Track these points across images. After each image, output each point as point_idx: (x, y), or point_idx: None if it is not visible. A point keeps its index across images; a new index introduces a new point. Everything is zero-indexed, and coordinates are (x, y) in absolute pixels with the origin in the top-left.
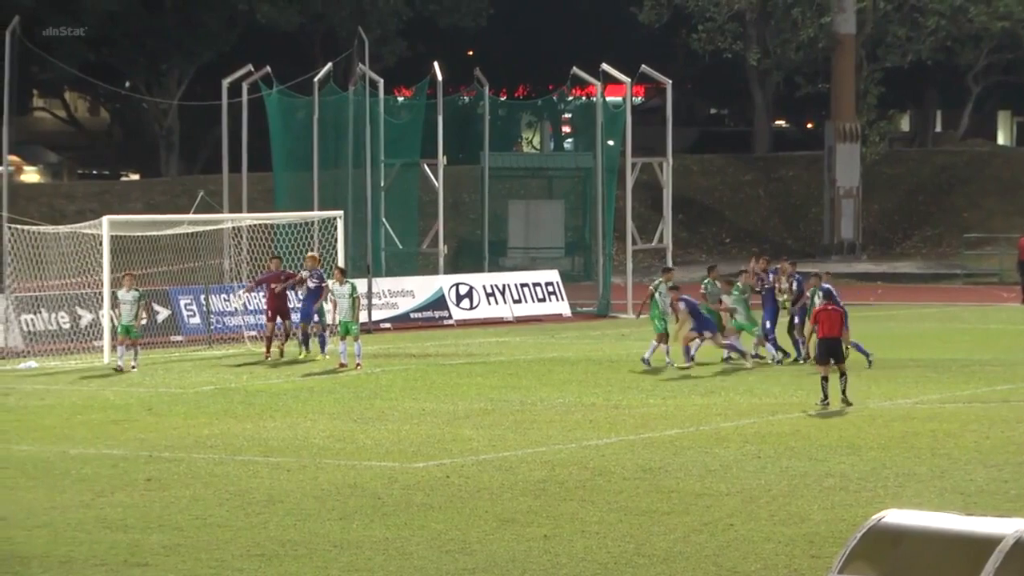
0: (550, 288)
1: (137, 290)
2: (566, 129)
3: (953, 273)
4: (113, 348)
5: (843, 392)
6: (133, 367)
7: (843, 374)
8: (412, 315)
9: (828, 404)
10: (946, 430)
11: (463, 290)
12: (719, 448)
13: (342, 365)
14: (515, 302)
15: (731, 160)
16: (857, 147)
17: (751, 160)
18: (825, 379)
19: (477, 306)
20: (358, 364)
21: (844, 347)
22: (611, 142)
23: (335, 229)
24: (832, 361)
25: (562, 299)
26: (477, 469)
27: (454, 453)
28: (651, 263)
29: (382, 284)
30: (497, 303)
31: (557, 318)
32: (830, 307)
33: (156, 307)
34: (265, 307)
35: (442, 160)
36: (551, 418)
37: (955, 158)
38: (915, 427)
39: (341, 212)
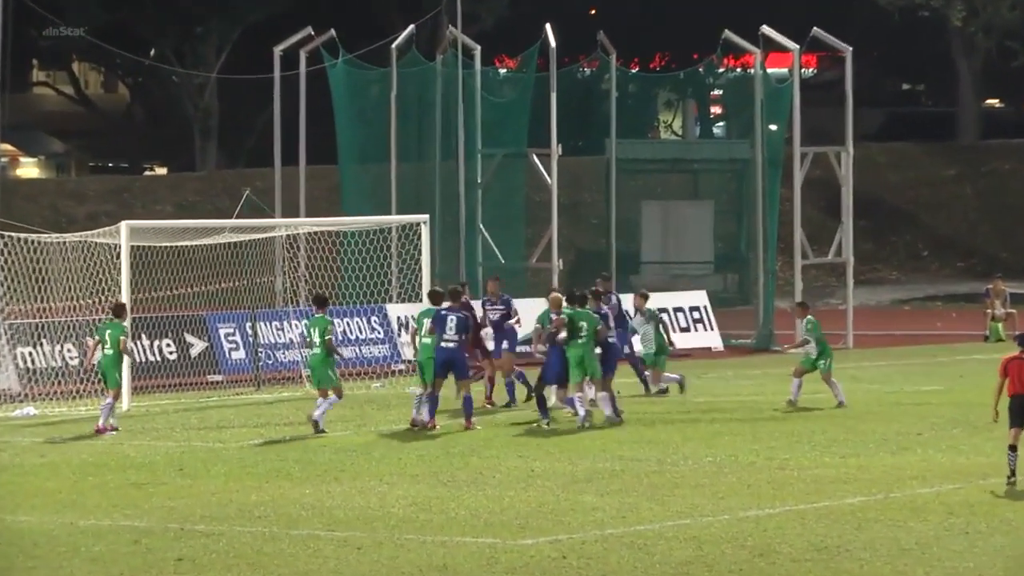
0: (695, 314)
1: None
2: (716, 110)
3: None
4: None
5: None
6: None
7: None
8: (517, 348)
9: (1014, 482)
10: None
11: None
12: (915, 521)
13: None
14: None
15: (929, 150)
16: None
17: (955, 150)
18: (1013, 449)
19: None
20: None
21: None
22: (774, 126)
23: (418, 238)
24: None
25: (711, 328)
26: (602, 548)
27: (572, 527)
28: (826, 282)
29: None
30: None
31: (705, 353)
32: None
33: (189, 338)
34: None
35: (556, 149)
36: (697, 481)
37: None
38: None
39: (426, 216)
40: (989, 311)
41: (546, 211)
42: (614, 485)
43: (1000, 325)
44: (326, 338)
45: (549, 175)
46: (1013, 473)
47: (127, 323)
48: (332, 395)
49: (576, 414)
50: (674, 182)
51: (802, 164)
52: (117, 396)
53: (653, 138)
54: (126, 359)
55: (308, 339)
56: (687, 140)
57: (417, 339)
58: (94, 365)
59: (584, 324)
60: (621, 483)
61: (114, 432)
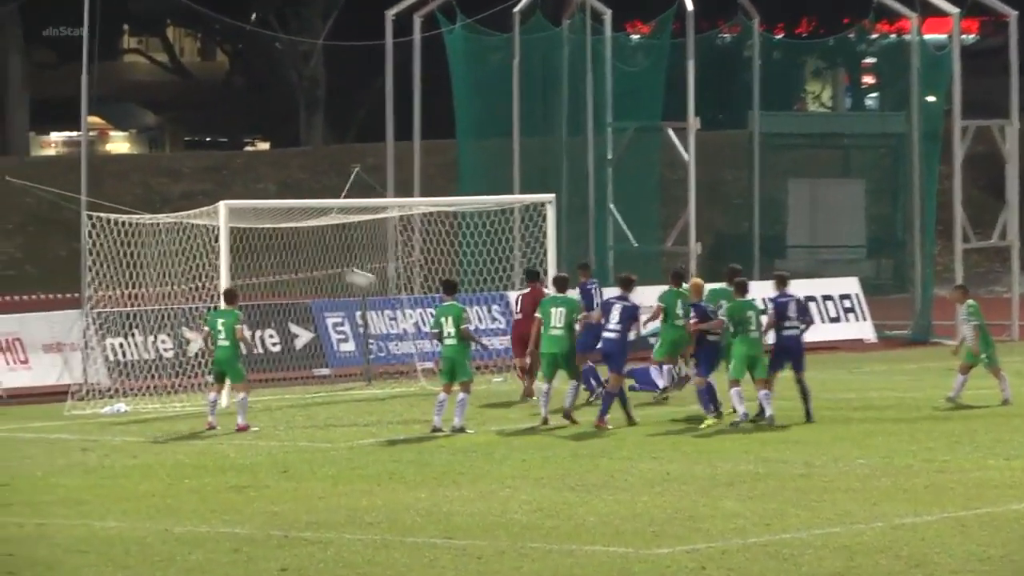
0: (846, 303)
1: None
2: (868, 80)
3: None
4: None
5: None
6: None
7: None
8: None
9: None
10: None
11: None
12: None
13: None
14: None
15: None
16: None
17: None
18: None
19: None
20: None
21: None
22: (932, 98)
23: (543, 219)
24: None
25: (863, 318)
26: (744, 558)
27: (712, 535)
28: (989, 267)
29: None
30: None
31: (856, 345)
32: None
33: (294, 328)
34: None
35: (694, 123)
36: (848, 485)
37: None
38: None
39: (552, 196)
40: None
41: (682, 190)
42: (757, 489)
43: None
44: (462, 327)
45: (686, 151)
46: None
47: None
48: (461, 392)
49: (734, 410)
50: (823, 159)
51: (963, 138)
52: (247, 389)
53: (800, 110)
54: (243, 348)
55: (440, 329)
56: (837, 113)
57: (543, 330)
58: (195, 356)
59: (751, 315)
60: (765, 487)
61: (255, 430)
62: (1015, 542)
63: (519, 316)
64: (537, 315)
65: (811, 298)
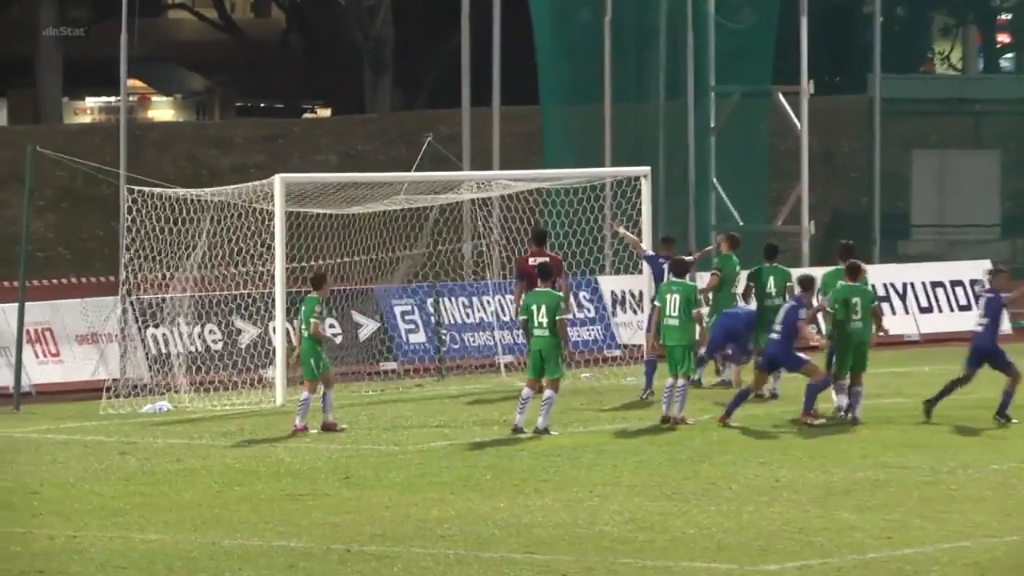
0: (978, 288)
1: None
2: (1003, 39)
3: None
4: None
5: None
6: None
7: None
8: None
9: None
10: None
11: None
12: None
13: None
14: (922, 311)
15: None
16: None
17: None
18: None
19: None
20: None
21: None
22: None
23: (636, 195)
24: None
25: None
26: (862, 575)
27: (827, 549)
28: None
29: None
30: (894, 312)
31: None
32: None
33: (358, 317)
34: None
35: (807, 87)
36: (980, 495)
37: None
38: None
39: (648, 169)
40: None
41: (794, 162)
42: (877, 499)
43: None
44: (557, 318)
45: (798, 118)
46: None
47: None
48: (548, 390)
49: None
50: (952, 127)
51: None
52: (313, 389)
53: (926, 73)
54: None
55: (530, 319)
56: (968, 76)
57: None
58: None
59: (858, 300)
60: (885, 496)
61: (314, 432)
62: None
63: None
64: (656, 303)
65: (939, 283)
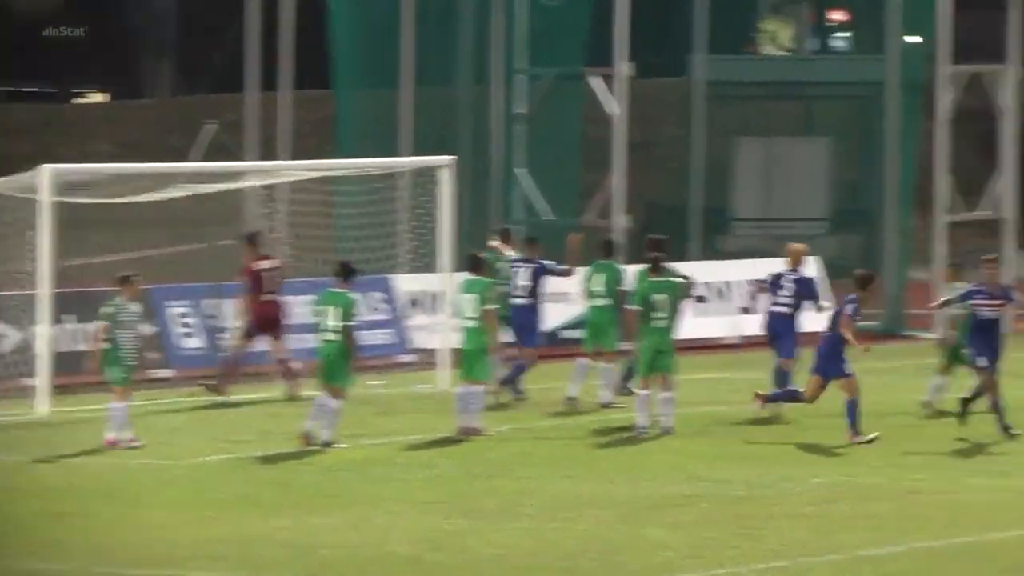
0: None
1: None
2: (837, 16)
3: None
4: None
5: None
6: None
7: None
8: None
9: None
10: None
11: None
12: None
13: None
14: (743, 312)
15: None
16: None
17: None
18: None
19: None
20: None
21: None
22: (914, 39)
23: (437, 187)
24: None
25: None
26: None
27: (634, 570)
28: (979, 245)
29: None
30: (713, 314)
31: (816, 337)
32: None
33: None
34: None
35: (624, 70)
36: (799, 511)
37: None
38: None
39: (450, 159)
40: None
41: (608, 151)
42: (689, 515)
43: None
44: (346, 323)
45: (614, 104)
46: None
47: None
48: (332, 400)
49: None
50: (780, 113)
51: (950, 88)
52: (125, 397)
53: (753, 54)
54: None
55: (320, 322)
56: (799, 57)
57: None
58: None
59: (662, 298)
60: (697, 513)
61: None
62: None
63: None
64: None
65: (762, 281)
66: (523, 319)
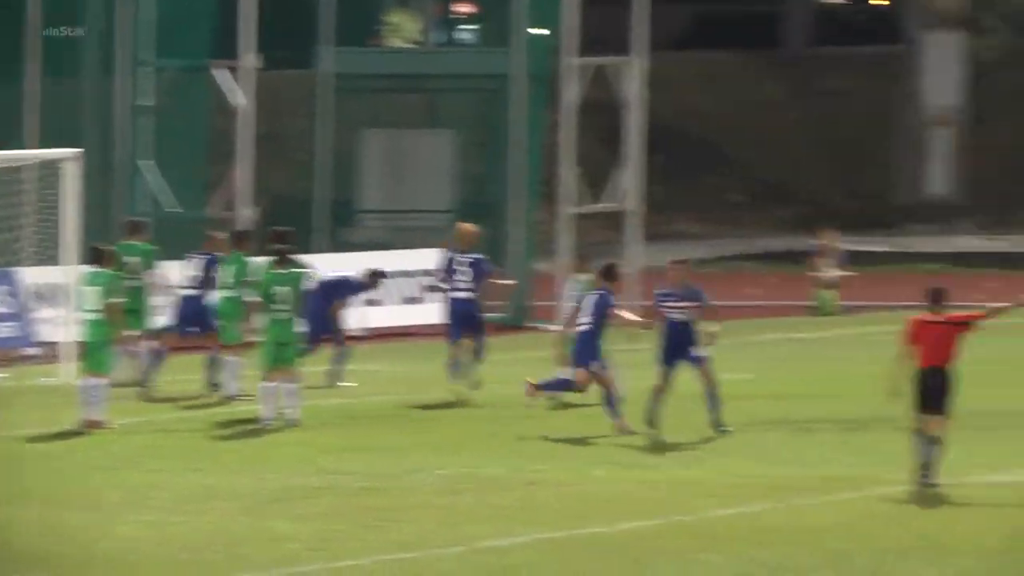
0: (428, 280)
1: None
2: (464, 8)
3: None
4: None
5: (927, 468)
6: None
7: (939, 436)
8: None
9: (929, 484)
10: None
11: None
12: (711, 552)
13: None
14: (369, 304)
15: (746, 61)
16: (960, 39)
17: (778, 61)
18: (928, 439)
19: None
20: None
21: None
22: (540, 31)
23: (62, 180)
24: (934, 411)
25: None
26: None
27: (256, 563)
28: (606, 237)
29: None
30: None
31: (439, 330)
32: (939, 318)
33: None
34: None
35: (252, 61)
36: (424, 501)
37: None
38: None
39: (78, 151)
40: (817, 274)
41: (234, 143)
42: (314, 507)
43: (831, 293)
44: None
45: (240, 96)
46: (926, 473)
47: None
48: None
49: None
50: (407, 105)
51: (575, 81)
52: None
53: (378, 47)
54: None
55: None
56: (424, 49)
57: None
58: None
59: (284, 290)
60: (321, 505)
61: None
62: (625, 568)
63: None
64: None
65: (382, 274)
66: (190, 310)
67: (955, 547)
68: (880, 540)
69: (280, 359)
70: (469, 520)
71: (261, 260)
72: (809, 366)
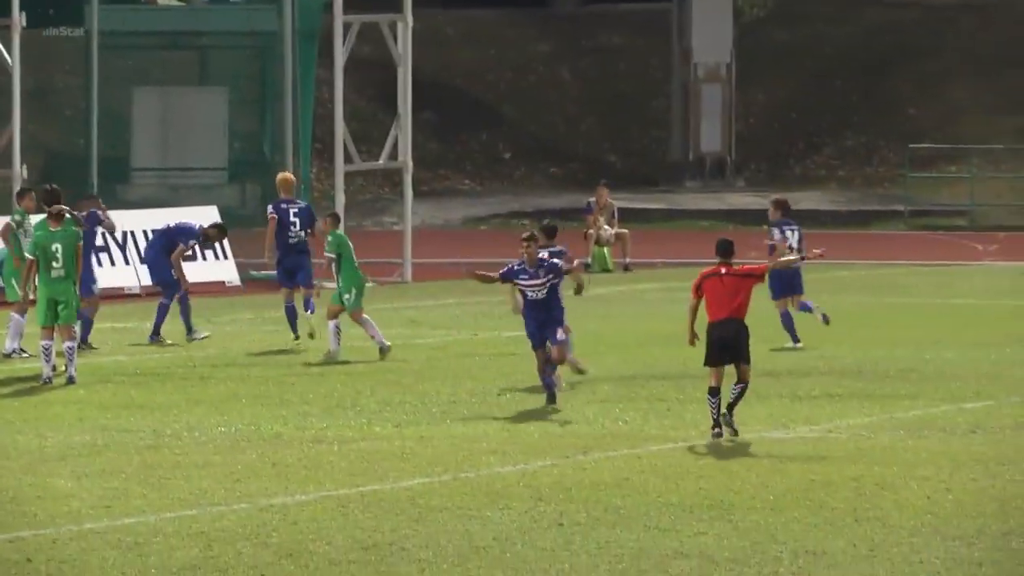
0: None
1: None
2: None
3: (891, 210)
4: None
5: (728, 411)
6: None
7: (743, 382)
8: None
9: (721, 434)
10: (879, 477)
11: None
12: (493, 510)
13: None
14: (143, 263)
15: (515, 18)
16: None
17: (549, 18)
18: (715, 392)
19: None
20: None
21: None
22: None
23: None
24: (730, 361)
25: (225, 256)
26: (80, 547)
27: (40, 521)
28: (378, 194)
29: None
30: (114, 264)
31: (215, 288)
32: (726, 270)
33: None
34: None
35: (19, 20)
36: (206, 459)
37: (899, 14)
38: (828, 473)
39: None
40: (591, 231)
41: (5, 102)
42: (95, 465)
43: (606, 250)
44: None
45: (8, 55)
46: (719, 424)
47: None
48: None
49: None
50: (177, 62)
51: (346, 39)
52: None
53: (148, 4)
54: None
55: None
56: (193, 7)
57: None
58: None
59: (59, 247)
60: (104, 462)
61: None
62: (407, 525)
63: None
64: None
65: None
66: None
67: (738, 503)
68: (660, 495)
69: (56, 317)
70: (252, 477)
71: (38, 218)
72: (586, 323)
